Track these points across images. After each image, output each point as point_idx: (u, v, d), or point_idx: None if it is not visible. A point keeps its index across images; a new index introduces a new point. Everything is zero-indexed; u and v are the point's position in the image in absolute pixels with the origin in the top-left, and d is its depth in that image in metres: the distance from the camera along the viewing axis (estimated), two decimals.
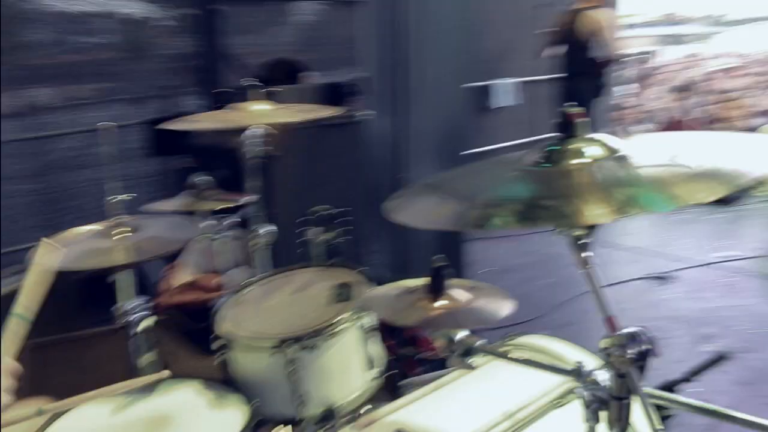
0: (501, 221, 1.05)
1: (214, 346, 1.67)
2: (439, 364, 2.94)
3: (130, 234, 1.86)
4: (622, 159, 1.15)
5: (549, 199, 1.11)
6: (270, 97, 2.07)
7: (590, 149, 1.19)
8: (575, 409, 1.47)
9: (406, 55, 3.41)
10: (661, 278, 4.25)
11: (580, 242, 1.14)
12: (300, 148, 2.68)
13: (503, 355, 1.37)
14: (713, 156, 1.10)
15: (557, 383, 1.59)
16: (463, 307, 1.39)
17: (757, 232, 5.32)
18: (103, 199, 1.82)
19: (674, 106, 8.19)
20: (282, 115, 1.98)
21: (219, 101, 3.09)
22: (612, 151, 1.19)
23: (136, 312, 1.90)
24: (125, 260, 1.85)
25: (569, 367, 1.21)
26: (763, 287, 4.18)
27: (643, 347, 1.11)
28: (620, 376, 1.11)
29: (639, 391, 1.10)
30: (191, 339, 2.56)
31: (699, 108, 8.41)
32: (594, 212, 1.00)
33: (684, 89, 8.83)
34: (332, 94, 3.20)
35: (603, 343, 1.10)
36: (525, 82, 6.93)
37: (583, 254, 1.15)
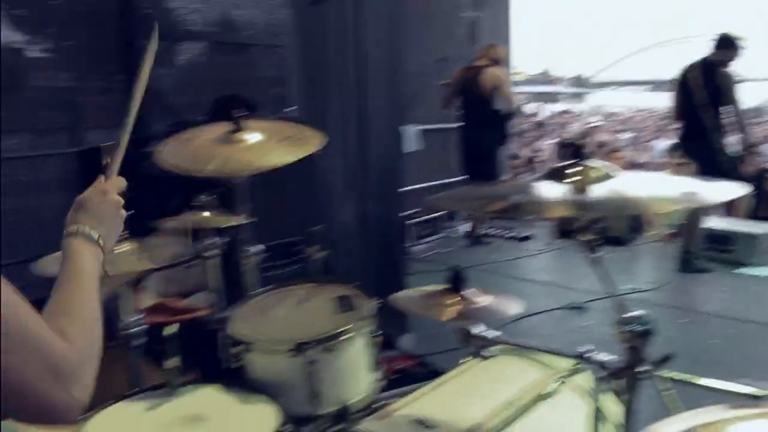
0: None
1: (233, 350, 1.79)
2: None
3: (134, 248, 1.95)
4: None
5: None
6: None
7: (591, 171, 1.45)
8: (563, 400, 1.73)
9: (347, 95, 3.59)
10: (577, 308, 4.63)
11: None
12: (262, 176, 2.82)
13: (517, 344, 1.58)
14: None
15: (545, 376, 1.82)
16: (482, 305, 1.60)
17: (649, 269, 5.89)
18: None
19: (560, 158, 8.80)
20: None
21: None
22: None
23: (137, 326, 2.00)
24: (129, 274, 1.94)
25: (577, 352, 1.46)
26: (657, 315, 4.66)
27: (647, 326, 1.37)
28: (631, 348, 1.35)
29: (648, 360, 1.34)
30: (155, 359, 2.61)
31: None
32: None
33: (567, 142, 9.52)
34: None
35: (618, 321, 1.35)
36: (424, 130, 7.26)
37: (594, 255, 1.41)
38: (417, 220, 6.60)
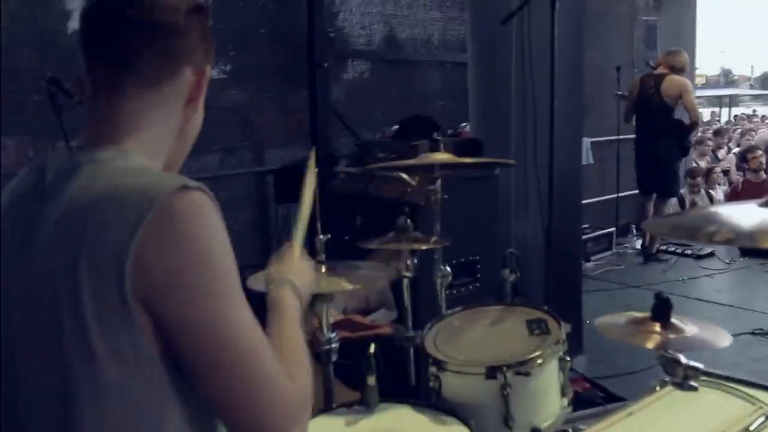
0: None
1: (431, 370, 1.84)
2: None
3: (335, 268, 2.05)
4: None
5: None
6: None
7: None
8: None
9: (529, 107, 3.54)
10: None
11: None
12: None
13: (727, 377, 1.51)
14: None
15: (749, 411, 1.71)
16: (689, 334, 1.55)
17: None
18: None
19: (746, 167, 8.16)
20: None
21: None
22: None
23: (333, 342, 2.10)
24: (329, 290, 2.04)
25: None
26: None
27: None
28: None
29: None
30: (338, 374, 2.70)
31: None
32: None
33: (752, 150, 8.78)
34: (471, 147, 3.43)
35: None
36: (593, 142, 7.05)
37: None
38: (590, 235, 6.42)
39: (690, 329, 1.59)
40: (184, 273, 0.95)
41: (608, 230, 6.70)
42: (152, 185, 0.97)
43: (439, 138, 2.11)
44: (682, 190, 7.37)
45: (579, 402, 3.23)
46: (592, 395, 3.40)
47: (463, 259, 3.20)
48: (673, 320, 1.60)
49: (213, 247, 0.97)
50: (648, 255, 6.38)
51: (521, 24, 3.44)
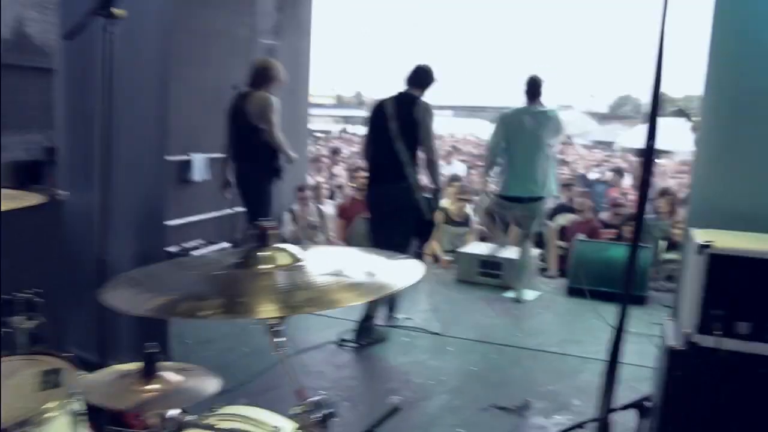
0: (207, 313, 1.30)
1: None
2: None
3: None
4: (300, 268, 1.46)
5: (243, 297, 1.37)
6: None
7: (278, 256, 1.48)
8: None
9: (102, 127, 3.41)
10: (360, 344, 4.79)
11: (273, 329, 1.43)
12: None
13: (210, 428, 1.56)
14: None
15: None
16: (174, 388, 1.57)
17: (423, 297, 6.18)
18: None
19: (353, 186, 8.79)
20: None
21: None
22: (294, 260, 1.50)
23: None
24: None
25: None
26: (434, 342, 4.98)
27: (326, 411, 1.41)
28: None
29: None
30: None
31: None
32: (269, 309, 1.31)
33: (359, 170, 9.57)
34: (28, 172, 3.16)
35: (294, 410, 1.38)
36: (213, 159, 7.03)
37: (276, 339, 1.44)
38: (206, 250, 6.50)
39: (176, 380, 1.60)
40: None
41: (225, 245, 6.83)
42: None
43: None
44: (294, 206, 7.80)
45: None
46: None
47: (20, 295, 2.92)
48: (162, 373, 1.60)
49: None
50: None
51: (104, 41, 3.25)
